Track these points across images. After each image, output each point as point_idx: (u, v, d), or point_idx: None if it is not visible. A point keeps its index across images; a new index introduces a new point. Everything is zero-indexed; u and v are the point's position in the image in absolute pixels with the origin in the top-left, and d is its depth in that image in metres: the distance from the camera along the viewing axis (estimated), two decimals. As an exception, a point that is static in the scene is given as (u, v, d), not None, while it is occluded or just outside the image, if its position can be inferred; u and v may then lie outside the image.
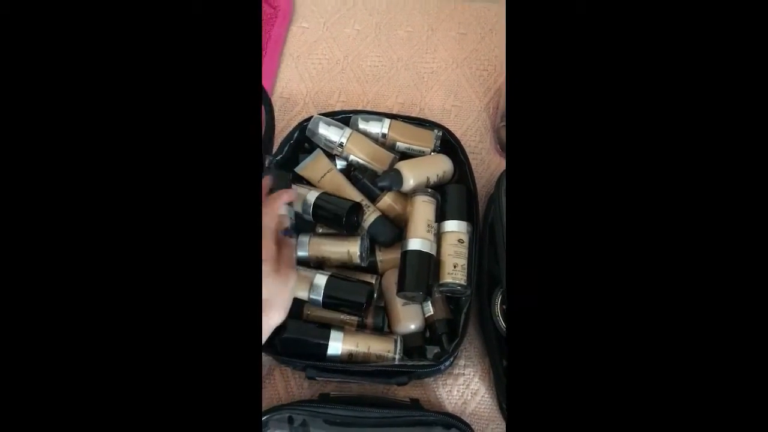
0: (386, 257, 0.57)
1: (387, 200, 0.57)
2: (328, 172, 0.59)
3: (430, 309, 0.54)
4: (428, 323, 0.54)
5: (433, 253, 0.53)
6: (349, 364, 0.49)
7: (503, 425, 0.50)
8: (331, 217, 0.54)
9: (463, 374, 0.54)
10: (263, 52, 0.72)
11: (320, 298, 0.51)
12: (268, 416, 0.48)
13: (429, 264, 0.52)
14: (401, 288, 0.52)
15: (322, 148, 0.61)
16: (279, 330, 0.45)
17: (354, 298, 0.51)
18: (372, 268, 0.57)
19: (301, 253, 0.55)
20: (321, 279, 0.52)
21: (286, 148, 0.60)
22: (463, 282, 0.52)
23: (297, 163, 0.60)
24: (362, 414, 0.47)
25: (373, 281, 0.55)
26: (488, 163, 0.64)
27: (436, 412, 0.49)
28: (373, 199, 0.58)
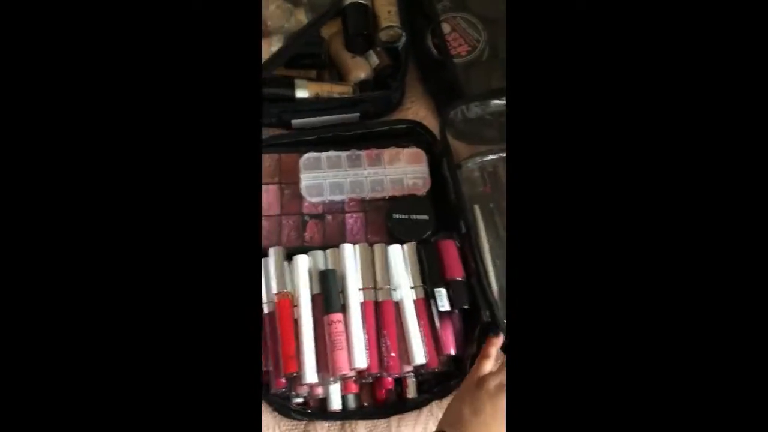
0: (329, 30, 0.64)
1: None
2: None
3: (375, 59, 0.64)
4: (375, 73, 0.64)
5: (369, 5, 0.62)
6: (317, 102, 0.59)
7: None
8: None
9: (411, 108, 0.65)
10: None
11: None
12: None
13: (366, 13, 0.62)
14: (347, 39, 0.61)
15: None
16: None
17: (312, 50, 0.60)
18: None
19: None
20: (279, 42, 0.59)
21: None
22: (398, 23, 0.62)
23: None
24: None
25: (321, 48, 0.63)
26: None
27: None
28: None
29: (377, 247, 0.51)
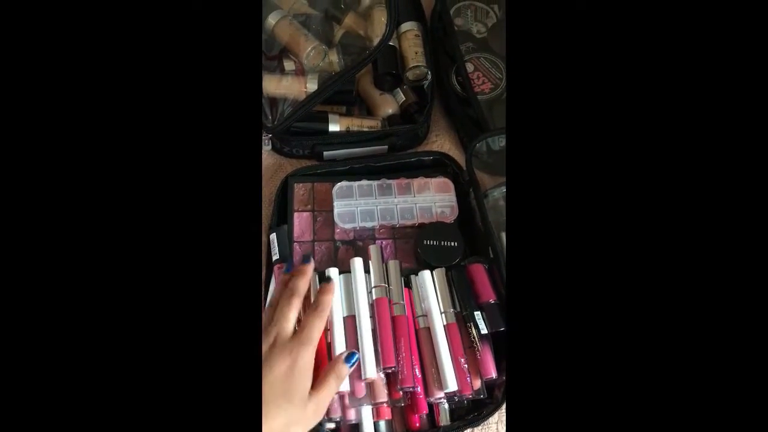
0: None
1: (349, 20, 0.69)
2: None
3: (401, 96, 0.67)
4: (402, 109, 0.68)
5: (397, 47, 0.66)
6: (348, 135, 0.62)
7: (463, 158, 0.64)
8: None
9: (436, 141, 0.68)
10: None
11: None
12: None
13: (395, 54, 0.65)
14: (376, 77, 0.65)
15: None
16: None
17: (344, 87, 0.63)
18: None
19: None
20: (313, 80, 0.63)
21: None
22: (424, 63, 0.65)
23: None
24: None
25: (353, 86, 0.67)
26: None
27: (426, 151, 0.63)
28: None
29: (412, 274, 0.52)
